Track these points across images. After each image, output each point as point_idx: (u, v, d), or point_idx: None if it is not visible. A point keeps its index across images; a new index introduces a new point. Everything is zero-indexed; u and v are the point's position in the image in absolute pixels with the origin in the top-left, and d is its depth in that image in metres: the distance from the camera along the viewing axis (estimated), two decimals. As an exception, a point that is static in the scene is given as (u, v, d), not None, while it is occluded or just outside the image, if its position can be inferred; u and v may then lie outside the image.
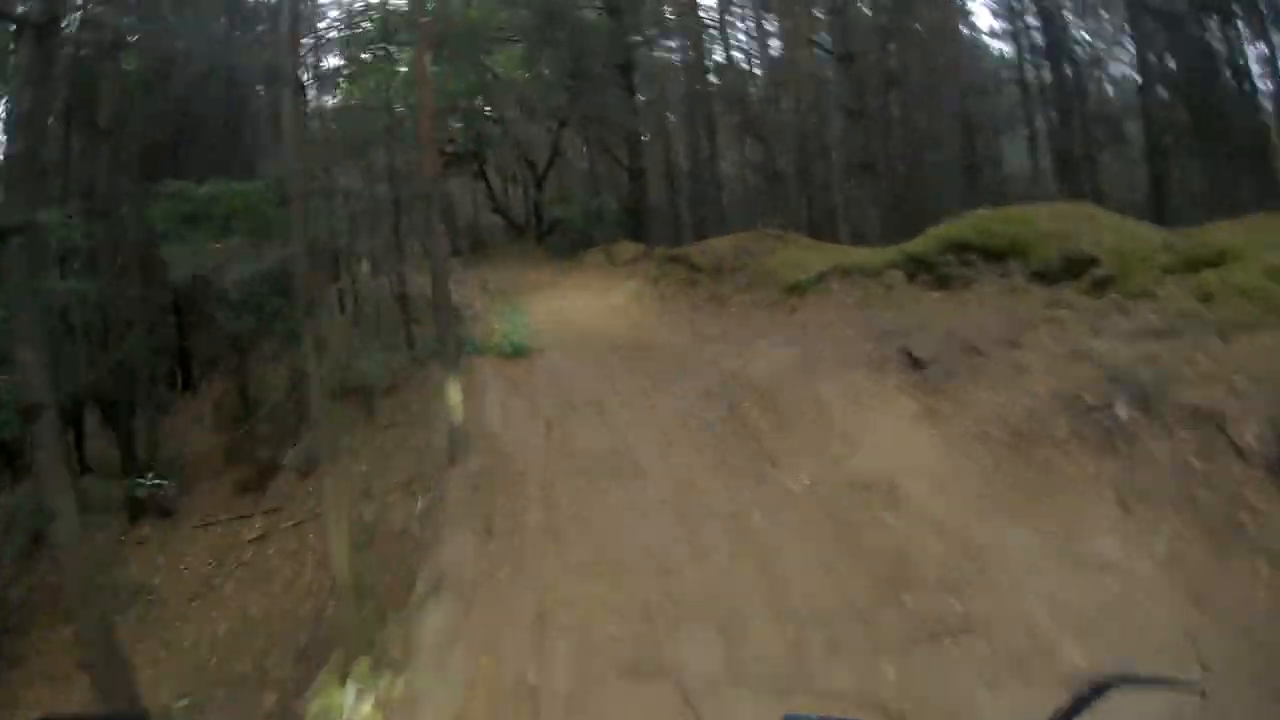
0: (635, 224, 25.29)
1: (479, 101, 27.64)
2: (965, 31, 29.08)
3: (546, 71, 24.67)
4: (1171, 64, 24.32)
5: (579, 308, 18.63)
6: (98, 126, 17.17)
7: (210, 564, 11.47)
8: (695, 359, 12.83)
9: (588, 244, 26.56)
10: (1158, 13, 23.47)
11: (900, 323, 11.60)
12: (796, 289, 14.70)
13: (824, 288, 14.37)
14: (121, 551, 12.93)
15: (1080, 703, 1.47)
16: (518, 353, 14.74)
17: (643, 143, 25.20)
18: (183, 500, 13.83)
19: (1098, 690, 1.49)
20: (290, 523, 11.63)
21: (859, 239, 22.39)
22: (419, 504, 9.62)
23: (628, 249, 21.90)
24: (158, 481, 13.38)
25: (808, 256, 16.14)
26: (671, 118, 29.34)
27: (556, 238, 27.02)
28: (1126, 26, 26.25)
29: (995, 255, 12.14)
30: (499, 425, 10.91)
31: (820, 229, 23.35)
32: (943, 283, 12.67)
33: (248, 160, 22.79)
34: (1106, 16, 27.11)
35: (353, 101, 28.00)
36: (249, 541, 11.61)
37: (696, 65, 27.32)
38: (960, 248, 12.72)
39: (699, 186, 26.50)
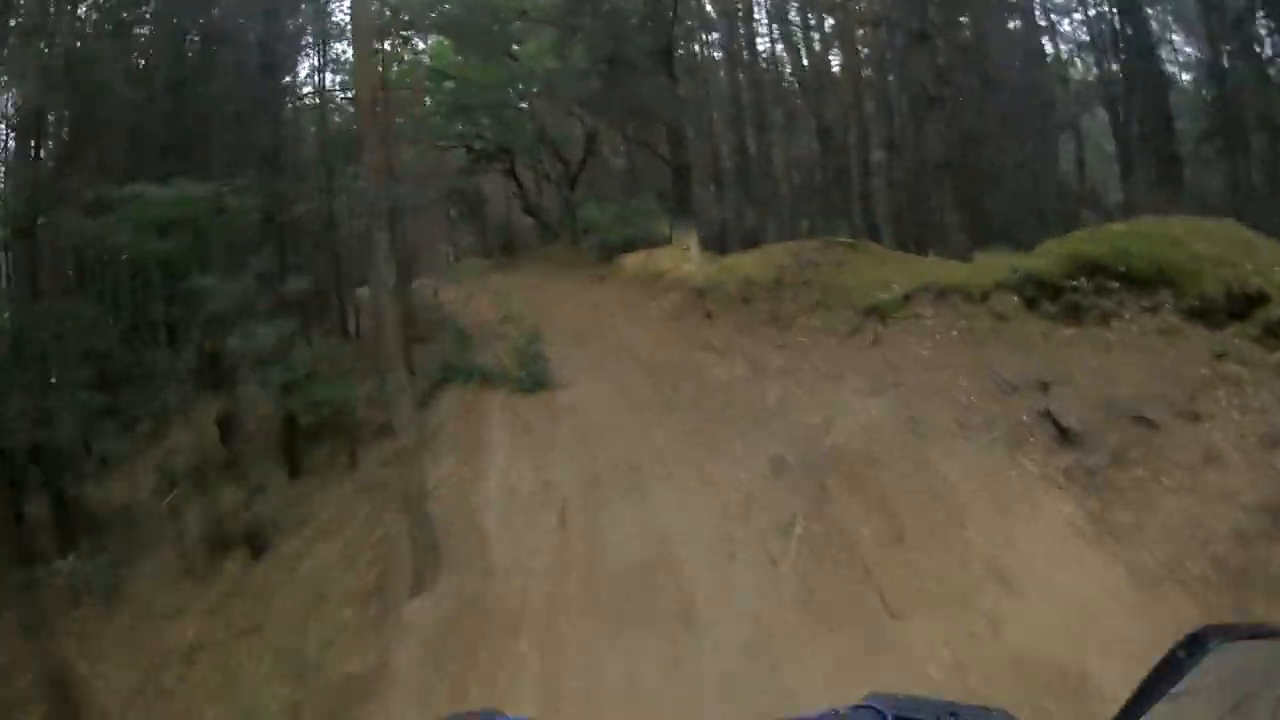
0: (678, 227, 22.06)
1: (509, 94, 24.60)
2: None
3: (578, 58, 21.33)
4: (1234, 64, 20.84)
5: (613, 323, 15.45)
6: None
7: (131, 683, 8.49)
8: (758, 405, 9.61)
9: (625, 247, 23.46)
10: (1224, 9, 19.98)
11: (1030, 370, 8.50)
12: (877, 312, 11.43)
13: (912, 312, 11.14)
14: (49, 647, 10.03)
15: (1176, 662, 1.14)
16: (536, 385, 11.64)
17: (686, 137, 21.83)
18: (126, 576, 10.86)
19: (1195, 645, 1.13)
20: (228, 633, 8.63)
21: (924, 248, 19.10)
22: (363, 660, 6.51)
23: (669, 255, 18.65)
24: (70, 565, 10.35)
25: (886, 271, 12.82)
26: (714, 114, 26.02)
27: (591, 240, 23.83)
28: (1172, 22, 22.98)
29: (1138, 282, 9.38)
30: (495, 512, 7.82)
31: (878, 235, 19.99)
32: (1073, 314, 9.67)
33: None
34: (1152, 13, 23.54)
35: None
36: (177, 657, 8.60)
37: (744, 49, 23.99)
38: (1094, 270, 9.79)
39: (746, 186, 23.08)
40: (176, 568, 10.83)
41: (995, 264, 11.98)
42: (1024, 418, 7.79)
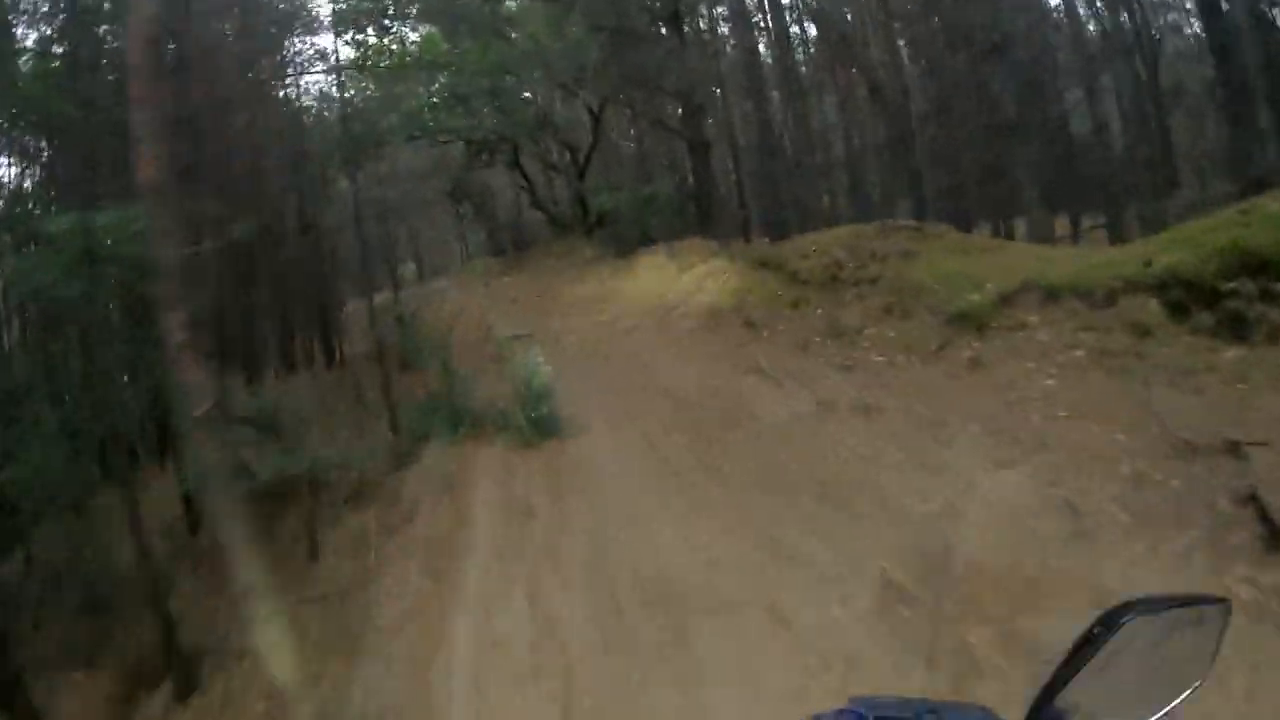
0: (700, 214, 19.06)
1: (505, 79, 21.66)
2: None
3: (574, 32, 18.21)
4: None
5: (634, 337, 12.63)
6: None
7: None
8: (837, 468, 6.71)
9: (642, 239, 20.58)
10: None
11: (1209, 419, 5.81)
12: (969, 320, 8.55)
13: (1016, 319, 8.31)
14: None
15: (1094, 637, 1.12)
16: (541, 434, 8.88)
17: (702, 109, 18.68)
18: (51, 704, 8.25)
19: (1112, 619, 1.12)
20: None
21: (972, 225, 16.04)
22: None
23: (694, 248, 15.73)
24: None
25: (968, 263, 9.89)
26: (729, 83, 22.72)
27: (606, 233, 20.96)
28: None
29: (1308, 287, 6.86)
30: (465, 698, 5.01)
31: (924, 211, 16.96)
32: (1237, 329, 7.05)
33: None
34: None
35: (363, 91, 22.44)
36: None
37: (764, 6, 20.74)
38: (1256, 267, 7.05)
39: (769, 163, 19.87)
40: (105, 691, 8.27)
41: (1116, 255, 9.10)
42: (1220, 503, 4.94)
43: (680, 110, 18.54)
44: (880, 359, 8.79)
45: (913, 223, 11.97)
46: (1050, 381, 7.22)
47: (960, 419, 6.89)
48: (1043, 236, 12.28)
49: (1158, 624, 1.16)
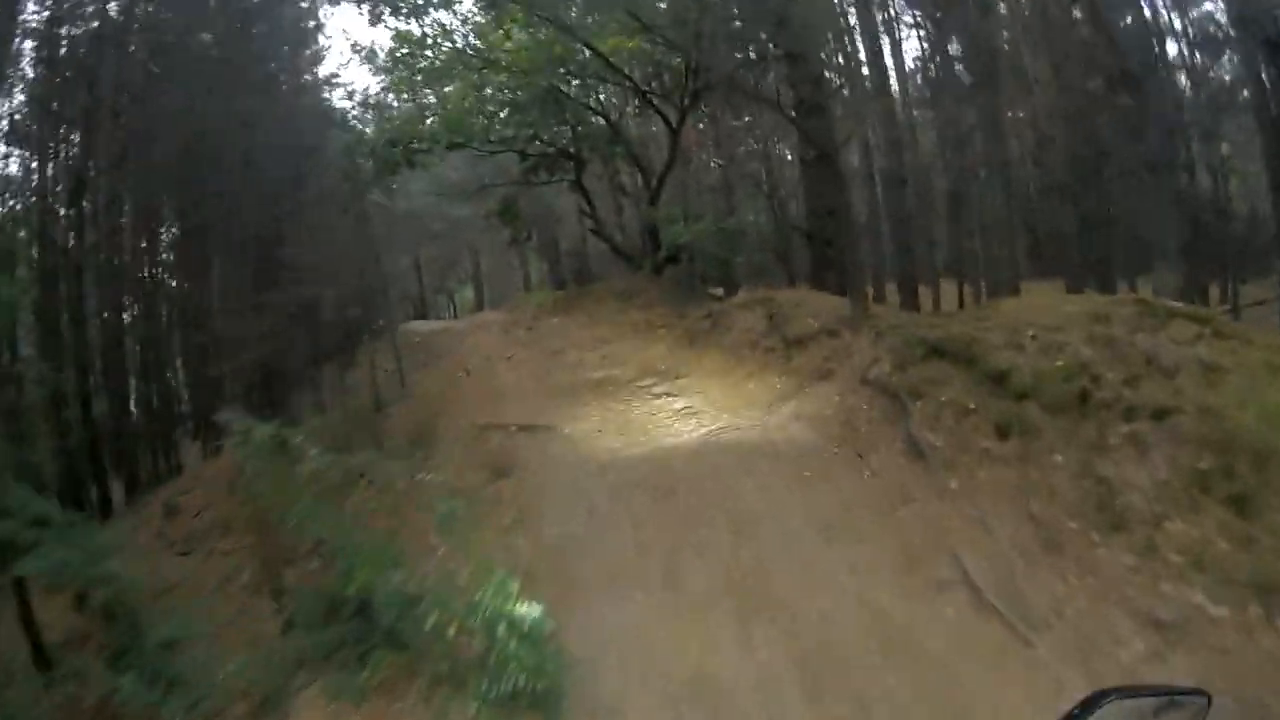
0: (814, 257, 14.15)
1: (576, 85, 17.51)
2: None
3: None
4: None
5: (717, 454, 7.86)
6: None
7: None
8: None
9: (726, 282, 16.08)
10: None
11: None
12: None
13: None
14: None
15: (1072, 718, 1.30)
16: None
17: (828, 99, 12.96)
18: None
19: (1091, 703, 1.32)
20: None
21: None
22: None
23: (807, 304, 10.89)
24: None
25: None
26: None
27: (679, 271, 16.42)
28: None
29: None
30: None
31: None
32: None
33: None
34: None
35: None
36: None
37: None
38: None
39: (900, 196, 14.67)
40: None
41: None
42: None
43: (794, 98, 13.33)
44: (1220, 611, 4.05)
45: (1184, 305, 7.12)
46: None
47: None
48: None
49: (1137, 709, 1.27)
